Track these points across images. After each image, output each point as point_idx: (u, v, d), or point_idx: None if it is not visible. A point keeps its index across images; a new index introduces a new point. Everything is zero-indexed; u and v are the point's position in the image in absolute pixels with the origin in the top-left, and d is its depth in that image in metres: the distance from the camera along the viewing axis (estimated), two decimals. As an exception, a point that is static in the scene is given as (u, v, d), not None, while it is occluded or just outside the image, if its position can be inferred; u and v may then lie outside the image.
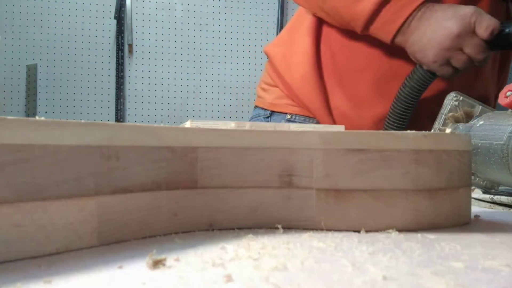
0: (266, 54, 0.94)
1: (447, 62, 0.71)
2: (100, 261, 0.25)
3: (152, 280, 0.21)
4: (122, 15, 2.28)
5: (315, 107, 0.86)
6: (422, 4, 0.73)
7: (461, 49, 0.70)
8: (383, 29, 0.74)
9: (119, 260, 0.25)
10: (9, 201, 0.24)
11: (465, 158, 0.38)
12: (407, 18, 0.72)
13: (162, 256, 0.24)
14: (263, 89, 0.94)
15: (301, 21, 0.90)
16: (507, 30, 0.70)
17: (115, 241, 0.29)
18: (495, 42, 0.70)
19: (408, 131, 0.35)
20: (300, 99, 0.87)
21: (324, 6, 0.80)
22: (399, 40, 0.74)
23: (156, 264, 0.24)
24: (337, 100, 0.86)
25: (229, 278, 0.22)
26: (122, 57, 2.28)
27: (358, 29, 0.76)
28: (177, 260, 0.25)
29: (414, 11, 0.72)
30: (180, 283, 0.21)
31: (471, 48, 0.70)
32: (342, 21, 0.79)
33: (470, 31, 0.70)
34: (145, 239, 0.31)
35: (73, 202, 0.27)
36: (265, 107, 0.92)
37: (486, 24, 0.69)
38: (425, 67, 0.73)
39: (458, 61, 0.70)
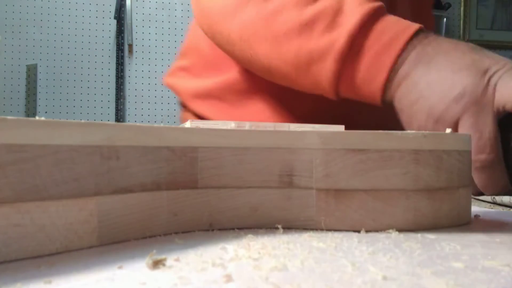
0: None
1: None
2: (100, 261, 0.25)
3: (152, 280, 0.21)
4: (122, 15, 2.28)
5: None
6: (415, 34, 0.49)
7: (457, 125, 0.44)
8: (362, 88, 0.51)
9: (119, 260, 0.25)
10: (9, 201, 0.24)
11: (465, 158, 0.38)
12: (395, 62, 0.48)
13: (162, 256, 0.24)
14: None
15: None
16: None
17: (115, 241, 0.29)
18: None
19: (408, 131, 0.35)
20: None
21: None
22: (388, 97, 0.51)
23: (156, 264, 0.24)
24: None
25: (229, 278, 0.22)
26: (122, 57, 2.28)
27: (328, 92, 0.54)
28: (177, 260, 0.25)
29: (403, 50, 0.48)
30: (180, 283, 0.21)
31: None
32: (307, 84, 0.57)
33: (481, 95, 0.43)
34: (145, 239, 0.31)
35: (73, 202, 0.27)
36: None
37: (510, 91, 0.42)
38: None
39: None
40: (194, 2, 0.67)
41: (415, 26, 0.50)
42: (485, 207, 0.52)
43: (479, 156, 0.42)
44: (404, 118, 0.49)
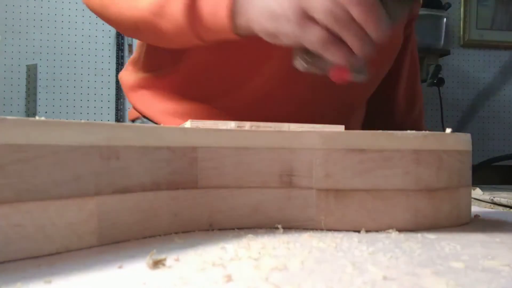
0: None
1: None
2: (100, 261, 0.25)
3: (152, 280, 0.21)
4: (122, 15, 2.27)
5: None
6: None
7: (308, 17, 0.43)
8: (214, 21, 0.51)
9: (119, 260, 0.25)
10: (9, 201, 0.24)
11: (465, 158, 0.38)
12: None
13: (162, 256, 0.24)
14: None
15: None
16: None
17: (115, 241, 0.29)
18: None
19: (408, 131, 0.35)
20: None
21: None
22: (240, 23, 0.49)
23: (156, 264, 0.24)
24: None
25: (229, 278, 0.22)
26: (122, 57, 2.28)
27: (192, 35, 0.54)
28: (177, 260, 0.25)
29: None
30: (180, 283, 0.21)
31: (320, 8, 0.42)
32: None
33: None
34: (145, 239, 0.31)
35: (73, 202, 0.27)
36: None
37: None
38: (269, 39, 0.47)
39: (311, 42, 0.43)
40: None
41: None
42: (485, 207, 0.53)
43: (363, 6, 0.44)
44: (265, 38, 0.48)
